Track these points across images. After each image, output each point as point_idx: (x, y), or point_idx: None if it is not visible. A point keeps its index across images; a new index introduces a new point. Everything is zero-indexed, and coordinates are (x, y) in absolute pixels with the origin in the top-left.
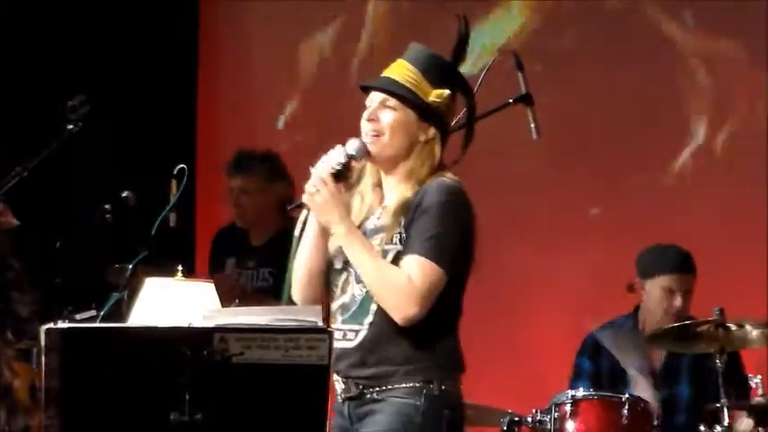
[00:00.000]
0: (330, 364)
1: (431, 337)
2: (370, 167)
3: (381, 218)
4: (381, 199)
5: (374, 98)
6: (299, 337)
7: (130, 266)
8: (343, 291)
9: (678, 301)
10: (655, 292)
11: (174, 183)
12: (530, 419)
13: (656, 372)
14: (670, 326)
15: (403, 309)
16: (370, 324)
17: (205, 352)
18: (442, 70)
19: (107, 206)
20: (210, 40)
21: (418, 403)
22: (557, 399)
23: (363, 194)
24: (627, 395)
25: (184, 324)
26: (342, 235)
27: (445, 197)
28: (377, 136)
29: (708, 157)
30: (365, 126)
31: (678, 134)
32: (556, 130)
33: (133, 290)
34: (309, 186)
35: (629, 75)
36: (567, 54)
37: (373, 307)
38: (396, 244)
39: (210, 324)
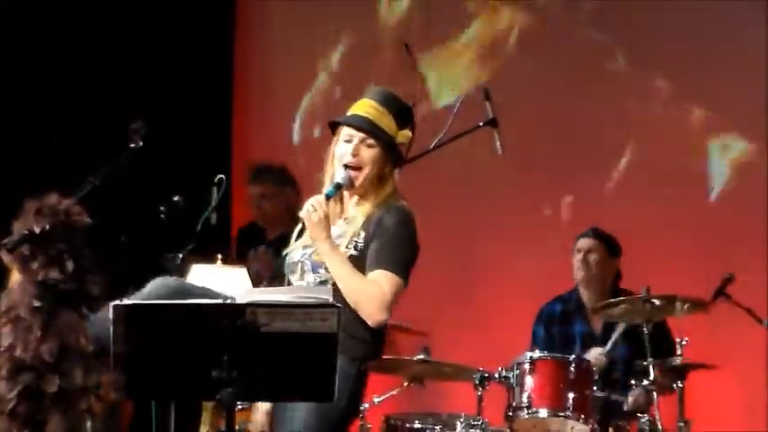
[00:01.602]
0: (338, 333)
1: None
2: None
3: (343, 227)
4: (341, 212)
5: (355, 133)
6: (313, 311)
7: (181, 255)
8: (300, 280)
9: (579, 259)
10: (573, 258)
11: (214, 189)
12: (497, 375)
13: (596, 335)
14: (607, 301)
15: (376, 314)
16: None
17: (239, 323)
18: (405, 113)
19: (162, 207)
20: (244, 59)
21: (352, 371)
22: (518, 359)
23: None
24: (573, 356)
25: (223, 301)
26: (326, 251)
27: (401, 219)
28: (359, 168)
29: (637, 169)
30: (346, 157)
31: (615, 149)
32: (515, 147)
33: (182, 274)
34: (309, 206)
35: (575, 102)
36: (522, 87)
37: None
38: (352, 249)
39: (244, 301)
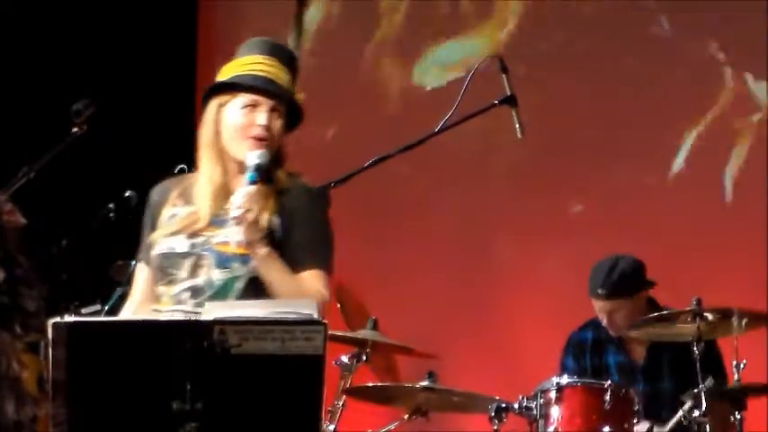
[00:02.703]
0: (325, 354)
1: None
2: (214, 164)
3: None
4: (226, 193)
5: (262, 100)
6: (294, 328)
7: (134, 263)
8: (193, 274)
9: (604, 322)
10: (594, 308)
11: None
12: (516, 406)
13: (637, 368)
14: (648, 316)
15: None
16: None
17: (205, 344)
18: (295, 63)
19: (110, 205)
20: (208, 41)
21: None
22: (542, 386)
23: (200, 191)
24: (609, 382)
25: (185, 317)
26: (263, 255)
27: (317, 200)
28: (266, 141)
29: (688, 156)
30: (255, 129)
31: (659, 133)
32: (539, 130)
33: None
34: (242, 203)
35: (611, 75)
36: (549, 56)
37: (236, 290)
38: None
39: (210, 317)
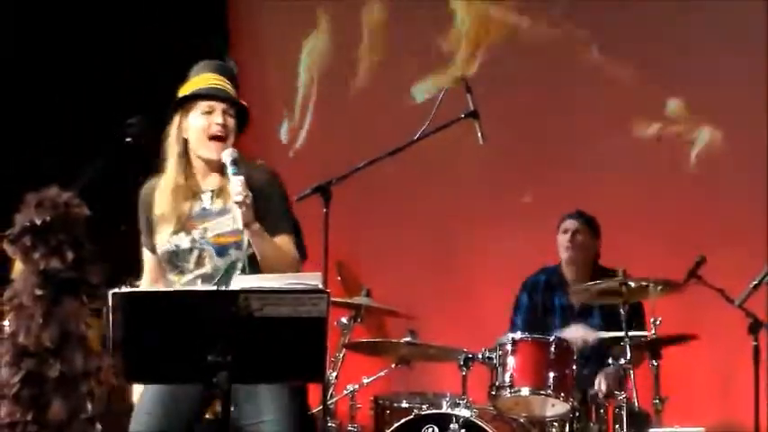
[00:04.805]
0: (328, 317)
1: None
2: (181, 161)
3: (220, 201)
4: (191, 184)
5: (216, 105)
6: (303, 296)
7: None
8: (199, 264)
9: (567, 239)
10: (558, 237)
11: None
12: (480, 356)
13: (575, 309)
14: (585, 285)
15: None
16: None
17: (233, 308)
18: (236, 79)
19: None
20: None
21: None
22: (500, 340)
23: (180, 184)
24: (553, 337)
25: (217, 288)
26: (258, 230)
27: (276, 179)
28: (226, 138)
29: (613, 156)
30: (214, 128)
31: (589, 136)
32: (496, 137)
33: None
34: (240, 190)
35: (549, 92)
36: (502, 80)
37: (236, 273)
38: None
39: (237, 287)
